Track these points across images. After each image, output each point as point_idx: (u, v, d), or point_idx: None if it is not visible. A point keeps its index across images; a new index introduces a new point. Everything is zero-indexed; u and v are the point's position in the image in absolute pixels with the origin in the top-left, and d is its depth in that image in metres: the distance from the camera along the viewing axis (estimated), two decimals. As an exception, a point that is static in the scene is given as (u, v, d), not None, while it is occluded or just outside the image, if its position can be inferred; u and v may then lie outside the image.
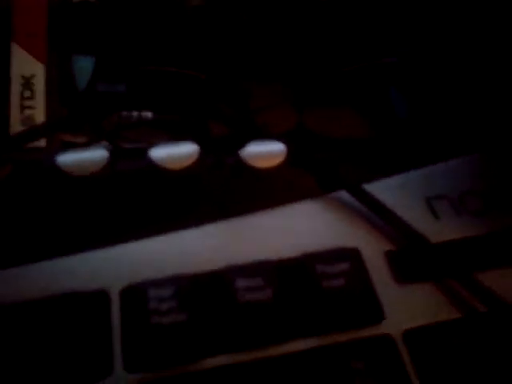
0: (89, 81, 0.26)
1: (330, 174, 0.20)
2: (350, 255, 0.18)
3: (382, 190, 0.20)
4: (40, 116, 0.26)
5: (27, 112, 0.26)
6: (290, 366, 0.16)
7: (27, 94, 0.26)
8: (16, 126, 0.26)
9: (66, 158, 0.19)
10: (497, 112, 0.23)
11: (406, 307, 0.18)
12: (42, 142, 0.25)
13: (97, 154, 0.19)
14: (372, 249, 0.19)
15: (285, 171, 0.20)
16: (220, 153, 0.20)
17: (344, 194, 0.20)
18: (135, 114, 0.25)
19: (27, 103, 0.26)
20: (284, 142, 0.20)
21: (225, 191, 0.20)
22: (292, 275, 0.17)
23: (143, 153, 0.19)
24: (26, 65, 0.26)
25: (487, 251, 0.19)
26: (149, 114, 0.25)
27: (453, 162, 0.21)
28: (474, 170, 0.21)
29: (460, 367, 0.16)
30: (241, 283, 0.17)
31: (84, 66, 0.26)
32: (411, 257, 0.19)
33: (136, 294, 0.16)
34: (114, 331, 0.16)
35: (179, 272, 0.17)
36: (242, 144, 0.20)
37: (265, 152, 0.20)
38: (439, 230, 0.19)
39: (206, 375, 0.16)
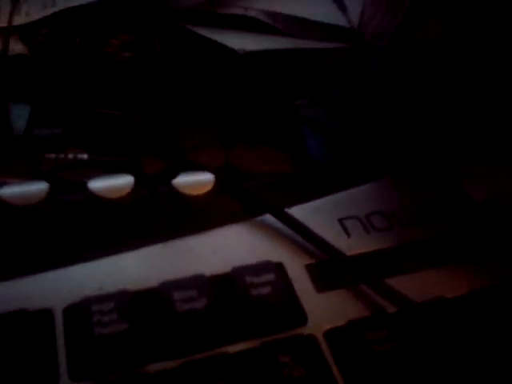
0: (25, 126, 0.27)
1: (255, 199, 0.23)
2: (275, 268, 0.20)
3: (302, 213, 0.23)
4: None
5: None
6: (226, 365, 0.18)
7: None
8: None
9: (7, 191, 0.20)
10: (396, 146, 0.26)
11: (325, 311, 0.20)
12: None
13: (38, 187, 0.20)
14: (294, 263, 0.21)
15: (214, 199, 0.22)
16: (154, 183, 0.22)
17: (268, 217, 0.22)
18: (71, 155, 0.27)
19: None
20: (212, 173, 0.22)
21: (160, 217, 0.21)
22: (224, 286, 0.19)
23: (82, 185, 0.21)
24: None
25: (393, 261, 0.22)
26: (85, 156, 0.27)
27: (360, 188, 0.24)
28: (377, 193, 0.24)
29: (374, 359, 0.18)
30: (177, 295, 0.18)
31: (20, 113, 0.28)
32: (328, 268, 0.21)
33: (79, 309, 0.18)
34: (58, 345, 0.17)
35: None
36: (175, 175, 0.22)
37: (195, 181, 0.22)
38: (351, 245, 0.22)
39: (149, 379, 0.17)
